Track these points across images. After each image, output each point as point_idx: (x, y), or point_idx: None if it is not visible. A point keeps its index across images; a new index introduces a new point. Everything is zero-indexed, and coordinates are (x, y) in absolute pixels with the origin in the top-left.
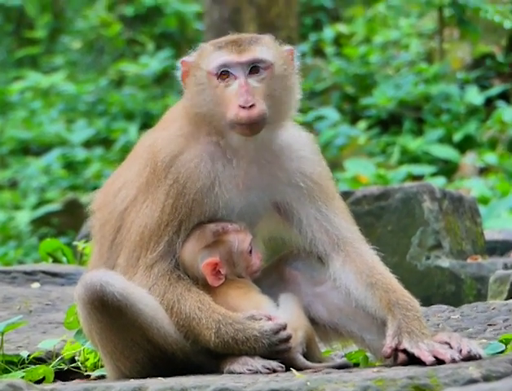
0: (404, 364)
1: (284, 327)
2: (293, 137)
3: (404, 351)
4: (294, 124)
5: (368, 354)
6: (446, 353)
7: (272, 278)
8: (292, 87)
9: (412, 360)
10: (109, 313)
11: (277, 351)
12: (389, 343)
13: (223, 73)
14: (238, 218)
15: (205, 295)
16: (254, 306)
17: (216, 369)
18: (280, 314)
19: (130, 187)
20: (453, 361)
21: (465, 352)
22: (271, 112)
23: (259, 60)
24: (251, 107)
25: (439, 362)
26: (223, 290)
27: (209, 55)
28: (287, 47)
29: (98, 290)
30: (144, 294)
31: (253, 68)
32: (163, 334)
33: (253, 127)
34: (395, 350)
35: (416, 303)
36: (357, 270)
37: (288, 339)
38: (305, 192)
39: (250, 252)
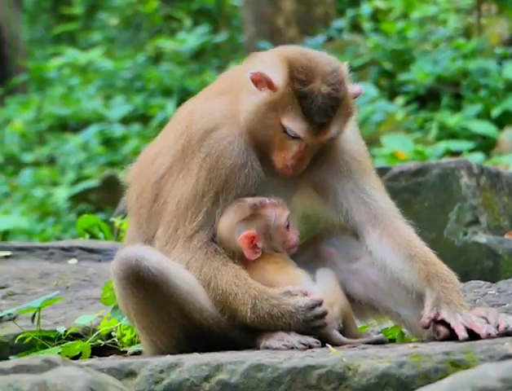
0: (443, 337)
1: (320, 303)
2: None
3: (442, 322)
4: None
5: (404, 330)
6: (482, 328)
7: (308, 255)
8: (347, 126)
9: (451, 333)
10: (145, 288)
11: (312, 327)
12: (427, 313)
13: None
14: (274, 195)
15: (242, 270)
16: (291, 281)
17: (252, 344)
18: (316, 289)
19: (166, 154)
20: (489, 336)
21: (502, 328)
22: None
23: (331, 139)
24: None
25: (474, 336)
26: (260, 264)
27: (293, 114)
28: (358, 89)
29: (133, 265)
30: (180, 269)
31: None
32: (199, 308)
33: (291, 177)
34: (434, 321)
35: (454, 277)
36: (394, 242)
37: (323, 315)
38: (343, 168)
39: (287, 227)
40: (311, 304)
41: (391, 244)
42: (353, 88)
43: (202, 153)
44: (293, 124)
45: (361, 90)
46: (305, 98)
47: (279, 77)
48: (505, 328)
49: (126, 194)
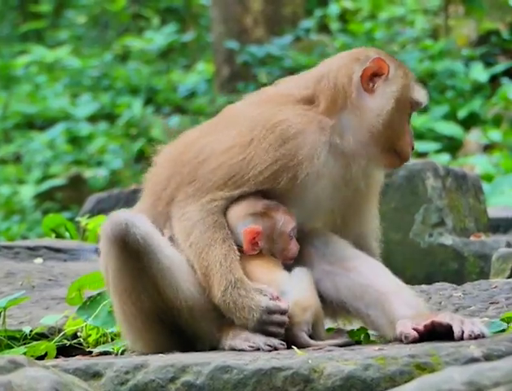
0: (411, 341)
1: (283, 312)
2: None
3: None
4: None
5: (371, 332)
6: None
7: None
8: None
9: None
10: (128, 253)
11: (265, 330)
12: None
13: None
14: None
15: (234, 253)
16: (269, 281)
17: (216, 341)
18: (293, 291)
19: (224, 141)
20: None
21: (466, 335)
22: None
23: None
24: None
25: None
26: (250, 258)
27: (416, 87)
28: None
29: (122, 228)
30: (166, 244)
31: None
32: (175, 287)
33: (401, 165)
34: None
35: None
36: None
37: (281, 324)
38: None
39: (291, 237)
40: (272, 308)
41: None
42: None
43: (282, 149)
44: (421, 95)
45: None
46: (414, 78)
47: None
48: (470, 336)
49: (149, 173)
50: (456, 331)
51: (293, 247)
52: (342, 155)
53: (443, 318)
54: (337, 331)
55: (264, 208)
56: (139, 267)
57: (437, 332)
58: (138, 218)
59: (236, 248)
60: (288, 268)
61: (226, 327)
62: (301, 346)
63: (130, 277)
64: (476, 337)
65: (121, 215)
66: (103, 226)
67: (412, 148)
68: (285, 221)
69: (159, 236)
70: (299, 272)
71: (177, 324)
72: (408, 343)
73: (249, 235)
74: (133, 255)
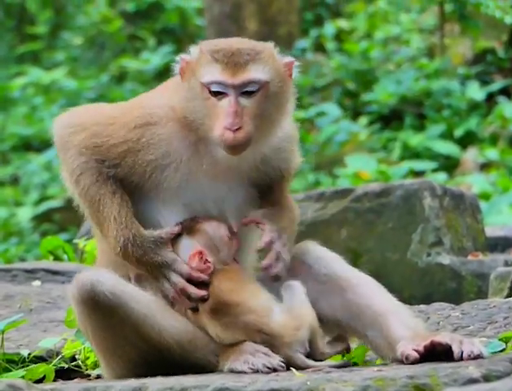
0: (412, 361)
1: (198, 285)
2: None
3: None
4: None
5: (369, 352)
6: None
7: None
8: (285, 104)
9: (421, 357)
10: (101, 312)
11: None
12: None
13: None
14: (214, 207)
15: (127, 204)
16: (248, 300)
17: (215, 366)
18: (282, 309)
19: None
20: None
21: (465, 355)
22: (259, 131)
23: (254, 81)
24: (237, 129)
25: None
26: (215, 284)
27: (205, 66)
28: (287, 59)
29: (89, 289)
30: (136, 291)
31: (248, 86)
32: (157, 330)
33: (237, 149)
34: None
35: None
36: None
37: (194, 299)
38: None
39: (231, 237)
40: (185, 273)
41: None
42: (282, 57)
43: (135, 136)
44: (209, 72)
45: (292, 62)
46: (216, 52)
47: (195, 53)
48: (469, 356)
49: None
50: (456, 351)
51: (236, 244)
52: (195, 145)
53: (443, 338)
54: (337, 337)
55: (190, 226)
56: (116, 322)
57: (436, 352)
58: (102, 274)
59: (126, 199)
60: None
61: (223, 350)
62: (299, 367)
63: (110, 334)
64: (475, 357)
65: (85, 275)
66: (69, 290)
67: (231, 133)
68: (215, 226)
69: (126, 286)
70: (290, 288)
71: (171, 361)
72: (408, 363)
73: (195, 258)
74: (106, 312)
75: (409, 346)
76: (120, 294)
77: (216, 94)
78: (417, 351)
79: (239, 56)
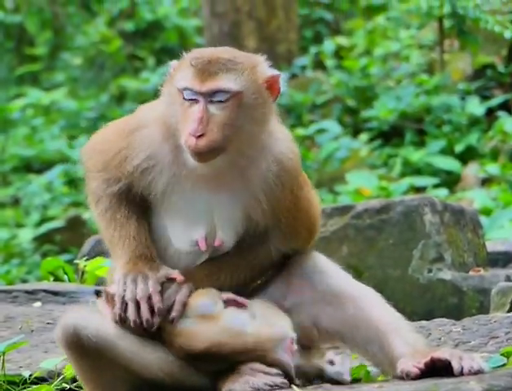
0: (413, 378)
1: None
2: (268, 155)
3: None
4: (279, 139)
5: (370, 368)
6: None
7: (280, 287)
8: (262, 116)
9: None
10: (88, 355)
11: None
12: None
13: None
14: (203, 218)
15: (144, 226)
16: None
17: (212, 389)
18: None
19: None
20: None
21: (466, 370)
22: (232, 141)
23: (221, 90)
24: (200, 136)
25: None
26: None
27: (182, 71)
28: (272, 73)
29: (72, 333)
30: (120, 330)
31: (217, 95)
32: (147, 365)
33: (201, 156)
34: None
35: None
36: None
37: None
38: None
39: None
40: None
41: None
42: (269, 70)
43: (124, 142)
44: (183, 77)
45: (276, 76)
46: (195, 59)
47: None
48: (469, 371)
49: None
50: (456, 367)
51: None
52: (176, 150)
53: (442, 354)
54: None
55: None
56: (104, 363)
57: (437, 368)
58: (85, 317)
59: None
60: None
61: (222, 373)
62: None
63: (98, 374)
64: (476, 373)
65: (68, 318)
66: (55, 332)
67: (194, 139)
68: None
69: (109, 326)
70: (256, 307)
71: (165, 389)
72: (410, 379)
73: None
74: (93, 355)
75: (410, 363)
76: (105, 336)
77: (189, 99)
78: (417, 368)
79: (213, 64)
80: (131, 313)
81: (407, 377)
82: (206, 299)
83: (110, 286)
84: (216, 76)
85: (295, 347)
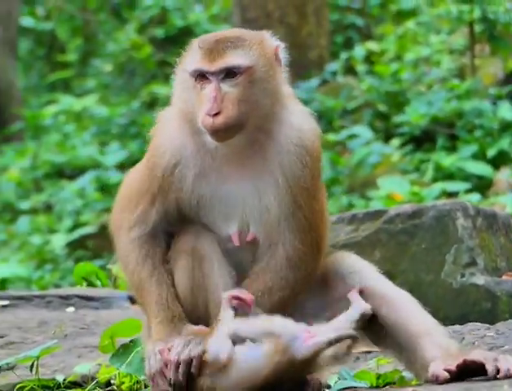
0: (442, 381)
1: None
2: (288, 130)
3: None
4: (296, 111)
5: (404, 374)
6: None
7: (317, 284)
8: (274, 88)
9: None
10: None
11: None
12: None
13: (199, 76)
14: (234, 210)
15: (164, 284)
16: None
17: None
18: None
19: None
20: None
21: (502, 374)
22: (249, 116)
23: (232, 67)
24: (216, 114)
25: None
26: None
27: (191, 55)
28: (274, 43)
29: None
30: None
31: (228, 72)
32: None
33: (219, 135)
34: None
35: None
36: None
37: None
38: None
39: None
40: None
41: None
42: (273, 42)
43: (149, 153)
44: (193, 60)
45: (277, 46)
46: (202, 41)
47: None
48: (505, 374)
49: None
50: (490, 369)
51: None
52: (197, 137)
53: (476, 356)
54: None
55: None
56: None
57: (469, 371)
58: None
59: (165, 276)
60: (319, 304)
61: None
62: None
63: None
64: (511, 376)
65: None
66: None
67: (211, 118)
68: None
69: None
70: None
71: None
72: (439, 383)
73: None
74: None
75: (440, 366)
76: None
77: (200, 81)
78: (448, 371)
79: (220, 43)
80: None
81: (437, 380)
82: (214, 346)
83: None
84: (225, 54)
85: (314, 331)
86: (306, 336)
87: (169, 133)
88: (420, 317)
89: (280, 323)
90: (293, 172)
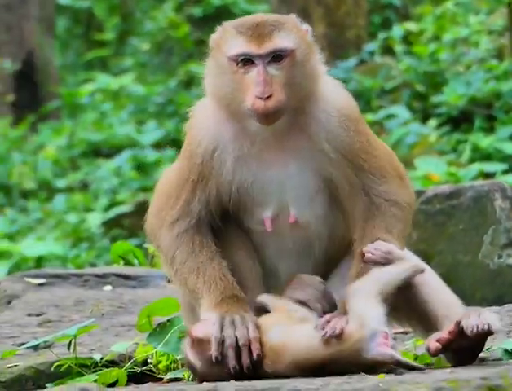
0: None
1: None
2: (325, 105)
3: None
4: (329, 86)
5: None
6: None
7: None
8: (313, 71)
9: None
10: None
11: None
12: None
13: (243, 60)
14: (273, 195)
15: (225, 268)
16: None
17: None
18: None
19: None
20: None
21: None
22: (292, 99)
23: (280, 49)
24: (268, 97)
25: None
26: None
27: (230, 40)
28: (304, 27)
29: None
30: None
31: (275, 56)
32: None
33: (269, 118)
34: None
35: None
36: None
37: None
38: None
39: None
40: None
41: None
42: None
43: (186, 143)
44: (235, 45)
45: (307, 30)
46: (240, 26)
47: (219, 32)
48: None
49: None
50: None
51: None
52: (233, 123)
53: (462, 317)
54: None
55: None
56: None
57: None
58: None
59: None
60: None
61: None
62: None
63: None
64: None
65: None
66: None
67: (263, 101)
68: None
69: None
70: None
71: None
72: (432, 355)
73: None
74: None
75: (433, 338)
76: None
77: (244, 66)
78: (439, 340)
79: (263, 27)
80: (232, 359)
81: (429, 352)
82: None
83: (195, 329)
84: (271, 37)
85: (390, 341)
86: (382, 341)
87: (204, 122)
88: (447, 300)
89: (373, 314)
90: (341, 141)
